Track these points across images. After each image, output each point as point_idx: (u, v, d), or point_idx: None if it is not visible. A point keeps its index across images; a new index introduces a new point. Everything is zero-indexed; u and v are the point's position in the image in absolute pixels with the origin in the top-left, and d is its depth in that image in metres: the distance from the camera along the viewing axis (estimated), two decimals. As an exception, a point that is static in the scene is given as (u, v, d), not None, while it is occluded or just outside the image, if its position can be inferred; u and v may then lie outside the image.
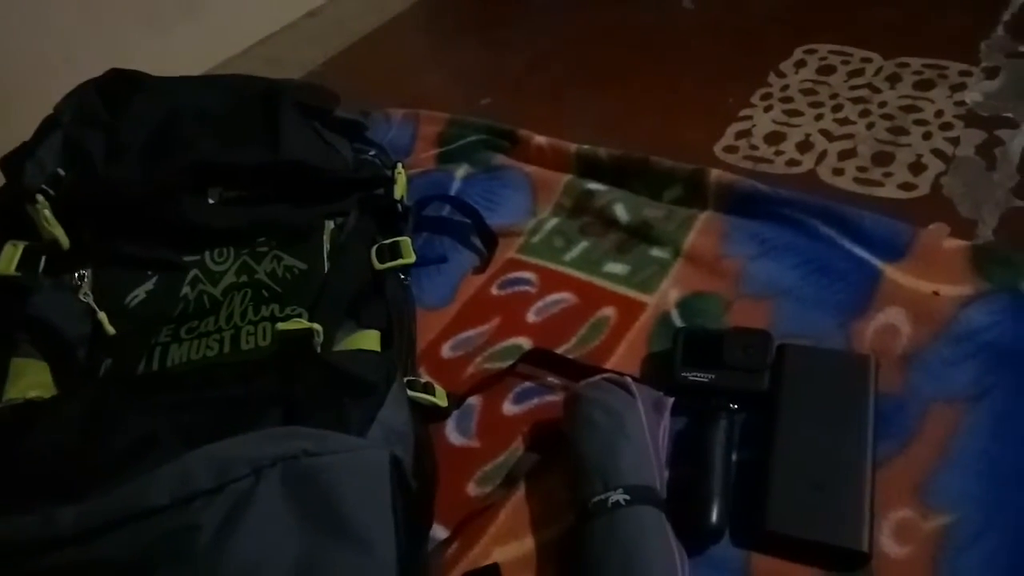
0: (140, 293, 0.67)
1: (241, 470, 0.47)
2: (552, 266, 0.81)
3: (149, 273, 0.69)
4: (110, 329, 0.64)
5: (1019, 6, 1.07)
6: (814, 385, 0.61)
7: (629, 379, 0.62)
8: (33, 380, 0.61)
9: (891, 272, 0.71)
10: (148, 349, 0.63)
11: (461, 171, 0.95)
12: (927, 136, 0.89)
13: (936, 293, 0.68)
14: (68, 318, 0.64)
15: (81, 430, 0.53)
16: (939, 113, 0.92)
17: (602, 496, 0.54)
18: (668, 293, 0.75)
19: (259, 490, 0.47)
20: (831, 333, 0.67)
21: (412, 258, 0.73)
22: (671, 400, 0.63)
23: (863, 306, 0.69)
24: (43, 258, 0.67)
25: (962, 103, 0.93)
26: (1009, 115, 0.89)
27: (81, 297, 0.66)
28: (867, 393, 0.60)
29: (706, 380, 0.63)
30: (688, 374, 0.64)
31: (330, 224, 0.74)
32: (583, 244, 0.83)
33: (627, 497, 0.53)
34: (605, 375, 0.63)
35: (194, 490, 0.46)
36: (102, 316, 0.65)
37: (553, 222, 0.86)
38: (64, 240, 0.67)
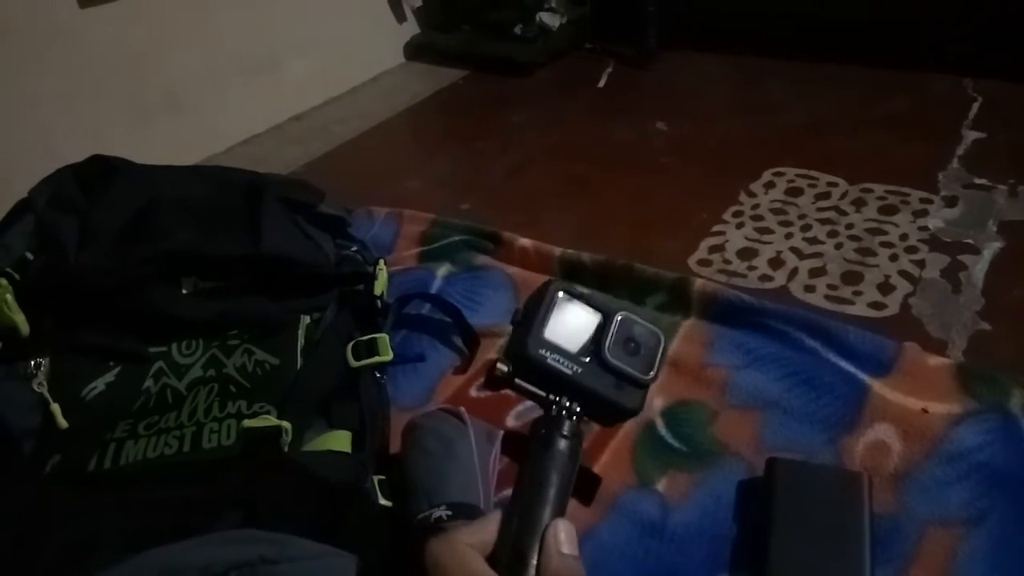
0: (99, 385, 0.64)
1: (190, 579, 0.43)
2: (533, 370, 0.79)
3: (111, 364, 0.65)
4: (62, 423, 0.60)
5: (971, 141, 1.15)
6: (808, 503, 0.59)
7: (462, 409, 0.66)
8: (-32, 477, 0.56)
9: (878, 387, 0.70)
10: (102, 445, 0.59)
11: (443, 270, 0.94)
12: (894, 258, 0.92)
13: (925, 410, 0.67)
14: (17, 409, 0.60)
15: (15, 534, 0.49)
16: (904, 237, 0.96)
17: (426, 512, 0.56)
18: (652, 401, 0.73)
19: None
20: (821, 448, 0.66)
21: (389, 356, 0.71)
22: (501, 432, 0.65)
23: (852, 421, 0.68)
24: (-2, 344, 0.63)
25: (925, 228, 0.97)
26: (970, 241, 0.93)
27: (35, 387, 0.62)
28: (863, 514, 0.57)
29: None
30: (547, 353, 0.35)
31: (306, 319, 0.72)
32: (565, 348, 0.81)
33: (449, 512, 0.55)
34: (441, 406, 0.67)
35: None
36: (55, 408, 0.61)
37: (535, 325, 0.85)
38: (24, 327, 0.64)
